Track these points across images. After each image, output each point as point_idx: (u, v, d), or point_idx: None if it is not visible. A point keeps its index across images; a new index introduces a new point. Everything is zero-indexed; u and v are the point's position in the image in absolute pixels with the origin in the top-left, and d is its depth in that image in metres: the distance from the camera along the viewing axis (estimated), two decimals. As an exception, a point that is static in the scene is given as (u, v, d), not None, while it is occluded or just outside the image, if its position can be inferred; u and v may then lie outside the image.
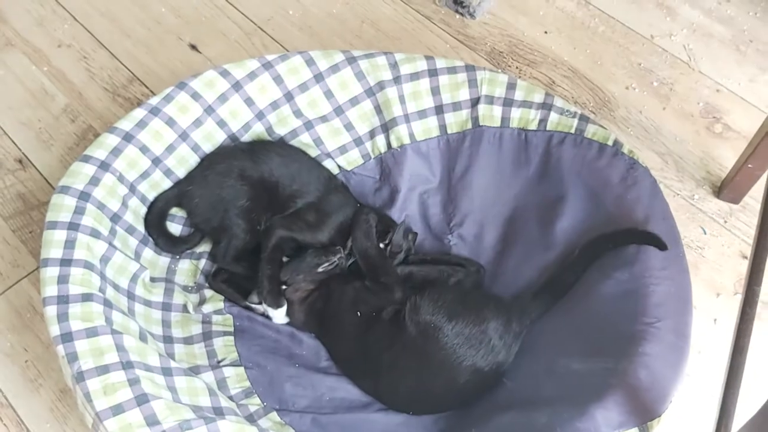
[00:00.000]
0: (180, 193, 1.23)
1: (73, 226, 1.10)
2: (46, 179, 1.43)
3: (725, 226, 1.33)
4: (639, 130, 1.44)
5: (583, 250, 1.12)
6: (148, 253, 1.22)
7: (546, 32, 1.60)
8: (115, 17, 1.66)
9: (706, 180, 1.38)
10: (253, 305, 1.20)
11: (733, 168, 1.30)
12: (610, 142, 1.17)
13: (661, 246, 1.06)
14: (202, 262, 1.26)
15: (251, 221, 1.22)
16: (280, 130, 1.30)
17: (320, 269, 1.17)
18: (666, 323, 1.00)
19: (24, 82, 1.56)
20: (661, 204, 1.11)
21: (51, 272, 1.05)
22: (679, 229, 1.29)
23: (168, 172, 1.24)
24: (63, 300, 1.03)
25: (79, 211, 1.11)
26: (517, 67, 1.54)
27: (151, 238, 1.22)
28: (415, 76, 1.26)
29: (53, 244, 1.08)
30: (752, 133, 1.41)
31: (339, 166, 1.32)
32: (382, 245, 1.19)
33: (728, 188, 1.31)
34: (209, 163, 1.25)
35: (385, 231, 1.21)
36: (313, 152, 1.30)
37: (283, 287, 1.17)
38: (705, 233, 1.32)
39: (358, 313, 1.13)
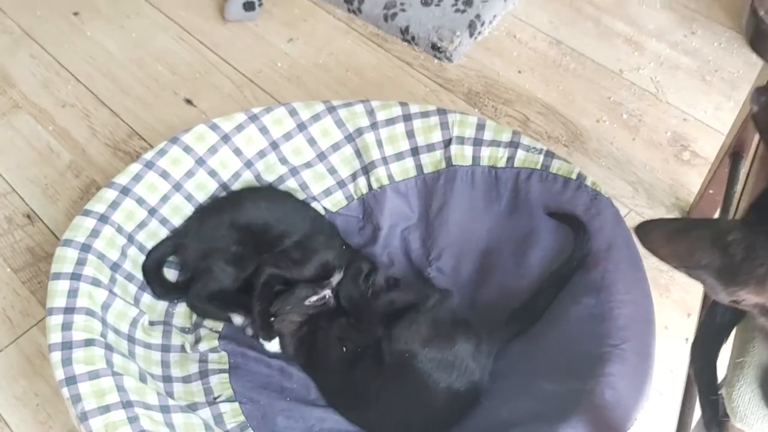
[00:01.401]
0: (175, 244, 1.32)
1: (75, 277, 1.19)
2: (53, 232, 1.52)
3: (695, 249, 1.38)
4: (610, 160, 1.51)
5: (551, 276, 1.19)
6: (147, 298, 1.30)
7: (520, 72, 1.68)
8: (115, 77, 1.77)
9: (676, 206, 1.44)
10: (235, 320, 1.28)
11: (697, 194, 1.37)
12: (573, 176, 1.24)
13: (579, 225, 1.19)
14: (198, 305, 1.34)
15: (240, 266, 1.29)
16: (268, 177, 1.38)
17: (308, 302, 1.25)
18: (630, 345, 1.06)
19: (31, 141, 1.67)
20: (623, 232, 1.17)
21: (56, 320, 1.14)
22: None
23: (164, 221, 1.33)
24: (67, 346, 1.11)
25: (80, 262, 1.20)
26: (493, 106, 1.63)
27: (148, 286, 1.30)
28: (390, 122, 1.35)
29: (57, 294, 1.17)
30: (718, 159, 1.48)
31: (325, 208, 1.40)
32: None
33: (694, 213, 1.37)
34: (202, 215, 1.34)
35: (368, 274, 1.29)
36: (300, 196, 1.39)
37: (272, 319, 1.24)
38: (676, 257, 1.38)
39: (344, 349, 1.20)
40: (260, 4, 1.83)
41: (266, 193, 1.37)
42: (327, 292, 1.26)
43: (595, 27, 1.75)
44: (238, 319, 1.28)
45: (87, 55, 1.82)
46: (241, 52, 1.79)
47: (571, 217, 1.21)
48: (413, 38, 1.74)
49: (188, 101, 1.71)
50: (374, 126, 1.35)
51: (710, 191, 1.29)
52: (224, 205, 1.35)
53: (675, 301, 1.33)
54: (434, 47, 1.71)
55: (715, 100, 1.59)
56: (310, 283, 1.26)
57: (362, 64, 1.74)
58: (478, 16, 1.72)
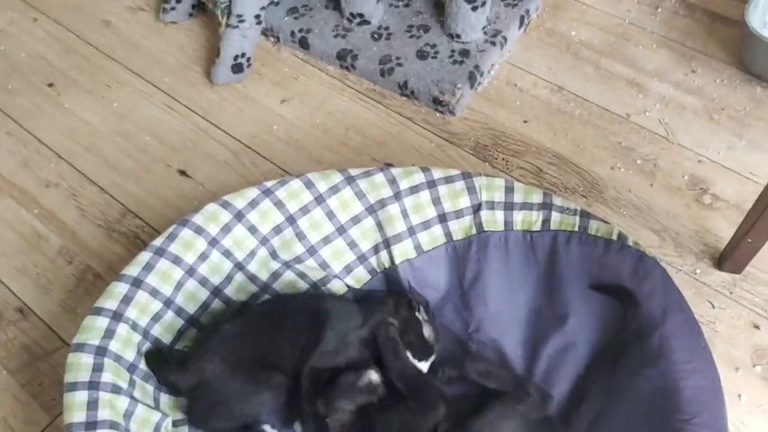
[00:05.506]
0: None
1: (93, 385, 1.09)
2: (49, 326, 1.40)
3: (731, 297, 1.35)
4: (631, 209, 1.48)
5: (602, 354, 1.12)
6: (165, 397, 1.20)
7: (525, 121, 1.64)
8: (100, 151, 1.66)
9: (705, 252, 1.41)
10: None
11: (732, 242, 1.33)
12: (614, 237, 1.19)
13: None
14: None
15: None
16: (284, 255, 1.30)
17: (358, 387, 1.14)
18: (702, 419, 1.00)
19: (15, 226, 1.55)
20: (676, 294, 1.12)
21: (76, 439, 1.04)
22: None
23: (179, 311, 1.23)
24: (92, 467, 1.00)
25: (97, 368, 1.10)
26: (503, 159, 1.58)
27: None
28: (414, 189, 1.28)
29: (75, 407, 1.07)
30: (741, 201, 1.46)
31: (348, 285, 1.31)
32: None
33: (729, 261, 1.34)
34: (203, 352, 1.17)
35: (406, 328, 1.18)
36: (320, 274, 1.30)
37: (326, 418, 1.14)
38: (714, 307, 1.34)
39: None
40: (249, 65, 1.75)
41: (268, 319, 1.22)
42: (372, 372, 1.16)
43: (595, 71, 1.72)
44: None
45: (67, 129, 1.71)
46: (233, 117, 1.71)
47: (618, 289, 1.14)
48: (413, 92, 1.68)
49: (182, 172, 1.62)
50: (397, 196, 1.28)
51: (749, 240, 1.25)
52: (222, 337, 1.18)
53: (720, 355, 1.28)
54: (436, 101, 1.66)
55: (727, 139, 1.57)
56: (352, 370, 1.16)
57: (362, 122, 1.68)
58: (476, 66, 1.68)
